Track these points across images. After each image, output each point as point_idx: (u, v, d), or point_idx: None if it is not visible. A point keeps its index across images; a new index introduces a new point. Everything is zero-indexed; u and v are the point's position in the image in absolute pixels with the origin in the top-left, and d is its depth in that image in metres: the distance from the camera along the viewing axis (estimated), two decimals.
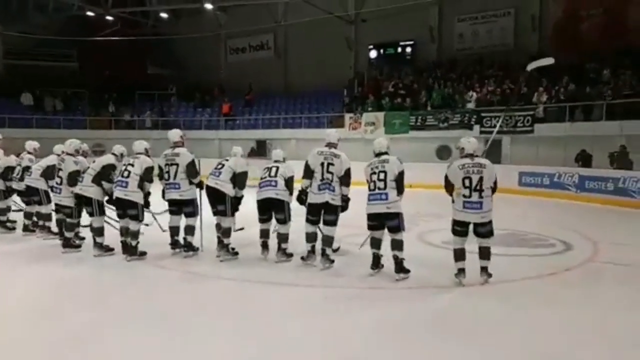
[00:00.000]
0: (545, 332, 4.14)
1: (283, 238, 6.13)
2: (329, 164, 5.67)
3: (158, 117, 22.52)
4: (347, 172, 5.68)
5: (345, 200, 5.71)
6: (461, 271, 5.25)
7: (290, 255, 6.16)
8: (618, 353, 3.77)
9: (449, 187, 5.33)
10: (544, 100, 15.16)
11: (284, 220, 6.05)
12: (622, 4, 16.11)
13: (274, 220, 6.17)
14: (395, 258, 5.35)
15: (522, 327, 4.25)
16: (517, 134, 15.13)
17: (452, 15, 19.74)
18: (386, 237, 5.50)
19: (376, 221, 5.39)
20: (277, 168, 6.04)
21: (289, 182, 6.02)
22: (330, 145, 5.82)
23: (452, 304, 4.88)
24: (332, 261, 5.79)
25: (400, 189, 5.35)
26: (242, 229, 6.92)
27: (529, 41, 17.87)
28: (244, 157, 6.56)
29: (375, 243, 5.50)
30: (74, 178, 6.53)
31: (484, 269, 5.22)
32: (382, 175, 5.33)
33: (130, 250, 6.23)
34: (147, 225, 6.87)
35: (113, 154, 6.59)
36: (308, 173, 5.75)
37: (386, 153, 5.51)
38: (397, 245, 5.35)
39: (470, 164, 5.18)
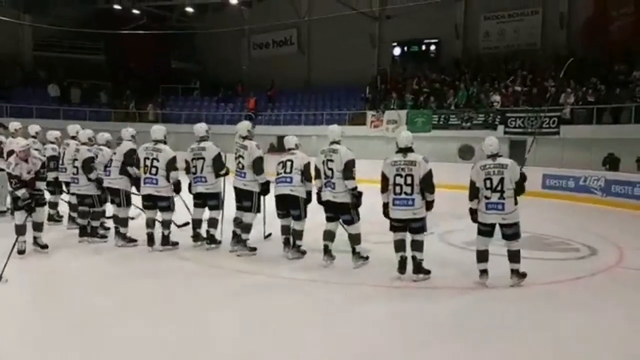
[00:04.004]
0: (568, 337, 4.09)
1: (298, 235, 6.09)
2: (328, 160, 5.61)
3: (160, 110, 22.67)
4: (347, 165, 5.50)
5: (356, 195, 5.54)
6: (484, 272, 5.21)
7: (304, 252, 6.14)
8: None
9: (473, 191, 5.19)
10: (571, 102, 14.86)
11: (299, 217, 6.03)
12: None
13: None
14: (414, 259, 5.28)
15: (543, 331, 4.20)
16: (542, 135, 14.88)
17: (478, 13, 19.48)
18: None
19: (401, 223, 5.29)
20: (292, 162, 5.96)
21: (306, 173, 5.95)
22: (333, 142, 5.72)
23: (473, 306, 4.85)
24: (366, 257, 5.81)
25: (429, 189, 5.17)
26: (270, 234, 6.96)
27: (556, 40, 17.54)
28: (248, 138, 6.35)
29: (400, 245, 5.34)
30: (88, 165, 6.60)
31: (514, 272, 5.16)
32: (409, 180, 5.14)
33: (163, 240, 6.34)
34: (132, 218, 6.89)
35: (127, 139, 6.65)
36: (317, 173, 5.78)
37: (411, 149, 5.30)
38: (417, 246, 5.28)
39: (492, 165, 5.11)
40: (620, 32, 16.11)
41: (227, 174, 6.46)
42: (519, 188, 5.11)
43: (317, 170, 5.79)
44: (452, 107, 17.19)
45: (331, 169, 5.58)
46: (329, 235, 5.78)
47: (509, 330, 4.25)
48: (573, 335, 4.14)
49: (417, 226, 5.26)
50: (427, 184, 5.15)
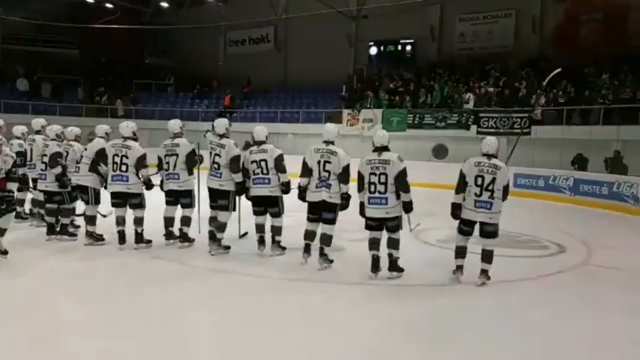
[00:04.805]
0: (538, 333, 4.17)
1: (277, 231, 6.11)
2: (325, 161, 5.50)
3: (134, 106, 22.27)
4: (346, 169, 5.49)
5: (346, 197, 5.56)
6: (459, 268, 5.31)
7: (284, 248, 6.15)
8: (610, 355, 3.80)
9: (462, 184, 5.20)
10: (542, 103, 15.20)
11: (278, 214, 6.04)
12: (623, 10, 16.15)
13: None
14: (390, 256, 5.31)
15: (514, 327, 4.30)
16: (513, 136, 15.16)
17: (454, 15, 19.71)
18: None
19: (376, 222, 5.32)
20: (266, 162, 5.91)
21: (279, 166, 5.89)
22: (327, 142, 5.62)
23: (446, 302, 4.91)
24: (331, 261, 5.68)
25: (404, 188, 5.17)
26: (246, 233, 6.91)
27: (528, 43, 17.89)
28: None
29: (374, 244, 5.37)
30: (55, 159, 6.41)
31: (483, 272, 5.23)
32: (382, 178, 5.16)
33: (137, 237, 6.23)
34: (104, 216, 6.77)
35: (100, 136, 6.50)
36: (306, 172, 5.60)
37: (387, 148, 5.32)
38: (393, 243, 5.31)
39: (486, 164, 5.15)
40: (589, 37, 16.55)
41: (200, 162, 6.37)
42: (505, 193, 5.17)
43: (305, 166, 5.62)
44: (431, 107, 17.39)
45: (328, 171, 5.50)
46: (312, 235, 5.74)
47: (481, 326, 4.32)
48: (543, 330, 4.23)
49: (392, 225, 5.29)
50: (401, 183, 5.17)
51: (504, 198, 5.18)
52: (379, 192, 5.19)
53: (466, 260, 5.31)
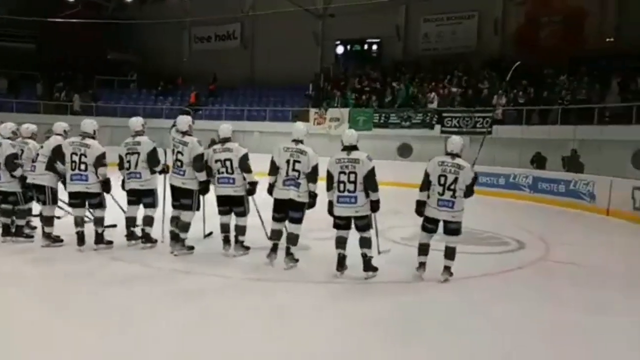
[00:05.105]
0: (499, 327, 4.29)
1: (241, 230, 6.04)
2: (294, 161, 5.46)
3: (89, 102, 21.66)
4: (315, 169, 5.47)
5: (313, 196, 5.54)
6: (422, 265, 5.39)
7: (248, 248, 6.10)
8: (568, 352, 3.92)
9: (426, 183, 5.27)
10: (503, 103, 15.60)
11: (243, 213, 5.98)
12: (580, 13, 16.75)
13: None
14: (364, 256, 5.30)
15: (477, 322, 4.39)
16: (476, 135, 15.50)
17: (419, 15, 20.00)
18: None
19: (344, 221, 5.32)
20: (231, 161, 5.83)
21: (244, 166, 5.81)
22: (297, 141, 5.58)
23: (410, 299, 4.97)
24: (297, 260, 5.65)
25: (372, 187, 5.19)
26: (211, 233, 6.82)
27: (490, 44, 18.34)
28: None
29: (341, 242, 5.37)
30: (12, 162, 6.17)
31: (446, 268, 5.33)
32: (352, 177, 5.16)
33: (97, 238, 6.05)
34: (58, 217, 6.57)
35: (58, 134, 6.30)
36: (273, 170, 5.56)
37: (356, 147, 5.32)
38: (365, 243, 5.30)
39: (450, 163, 5.22)
40: (549, 39, 17.11)
41: (165, 171, 6.23)
42: (469, 191, 5.26)
43: (273, 165, 5.57)
44: (395, 106, 17.59)
45: (297, 171, 5.46)
46: (278, 235, 5.71)
47: (444, 321, 4.39)
48: (504, 325, 4.34)
49: (362, 224, 5.30)
50: (370, 182, 5.19)
51: (468, 196, 5.27)
52: (349, 191, 5.19)
53: (429, 257, 5.40)
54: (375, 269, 5.35)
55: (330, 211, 5.37)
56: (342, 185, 5.21)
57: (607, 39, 16.23)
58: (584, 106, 13.98)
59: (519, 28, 17.90)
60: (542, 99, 15.22)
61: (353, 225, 5.35)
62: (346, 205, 5.22)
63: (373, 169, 5.21)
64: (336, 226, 5.39)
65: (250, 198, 6.13)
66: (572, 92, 14.72)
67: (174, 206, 6.13)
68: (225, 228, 6.10)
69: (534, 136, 14.53)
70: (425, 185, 5.31)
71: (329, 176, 5.31)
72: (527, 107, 15.17)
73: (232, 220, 6.11)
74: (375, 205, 5.30)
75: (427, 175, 5.31)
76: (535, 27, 17.49)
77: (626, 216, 10.14)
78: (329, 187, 5.32)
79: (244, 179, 5.88)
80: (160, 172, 6.22)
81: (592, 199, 11.41)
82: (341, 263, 5.37)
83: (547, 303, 4.99)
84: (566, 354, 3.86)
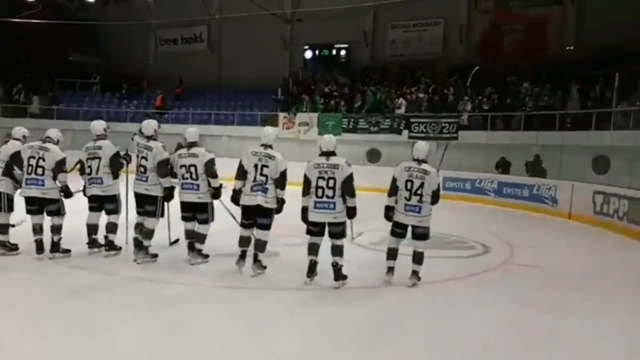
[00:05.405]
0: (467, 330, 4.33)
1: (200, 238, 5.85)
2: (263, 165, 5.37)
3: (49, 105, 21.08)
4: (283, 174, 5.40)
5: (281, 202, 5.46)
6: (390, 269, 5.40)
7: (206, 256, 5.93)
8: (531, 352, 3.98)
9: (393, 188, 5.31)
10: (468, 109, 15.92)
11: (206, 221, 5.83)
12: (541, 22, 17.30)
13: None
14: (335, 265, 5.24)
15: (445, 325, 4.43)
16: (443, 140, 15.75)
17: (386, 22, 20.25)
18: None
19: (319, 227, 5.26)
20: (196, 167, 5.70)
21: (209, 171, 5.68)
22: (265, 145, 5.50)
23: (378, 302, 5.00)
24: (265, 267, 5.56)
25: (350, 192, 5.16)
26: (177, 240, 6.64)
27: (456, 51, 18.74)
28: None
29: (314, 249, 5.31)
30: None
31: (414, 273, 5.35)
32: (331, 183, 5.11)
33: (53, 246, 5.79)
34: (13, 225, 6.28)
35: (16, 138, 6.05)
36: (241, 174, 5.44)
37: (334, 152, 5.27)
38: (338, 251, 5.24)
39: (416, 169, 5.26)
40: (511, 46, 17.59)
41: (129, 162, 6.08)
42: (435, 197, 5.30)
43: (241, 169, 5.46)
44: (364, 111, 17.71)
45: (265, 175, 5.36)
46: (247, 241, 5.58)
47: (413, 325, 4.41)
48: (472, 327, 4.40)
49: (337, 231, 5.25)
50: (347, 188, 5.16)
51: (435, 202, 5.32)
52: (327, 197, 5.14)
53: (398, 262, 5.41)
54: (345, 277, 5.29)
55: (304, 217, 5.30)
56: (320, 191, 5.16)
57: (568, 47, 16.86)
58: (546, 112, 14.41)
59: (483, 36, 18.37)
60: (506, 105, 15.63)
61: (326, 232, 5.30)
62: (324, 211, 5.16)
63: (351, 175, 5.19)
64: (309, 232, 5.32)
65: (220, 202, 6.01)
66: (535, 98, 15.17)
67: (138, 213, 5.95)
68: (189, 234, 5.97)
69: (499, 141, 14.88)
70: (393, 190, 5.34)
71: (306, 181, 5.24)
72: (491, 113, 15.55)
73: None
74: (352, 212, 5.28)
75: (394, 180, 5.35)
76: (498, 35, 17.98)
77: (587, 219, 10.47)
78: (305, 193, 5.25)
79: (209, 185, 5.76)
80: (126, 164, 6.06)
81: (555, 203, 11.75)
82: (312, 269, 5.32)
83: (512, 305, 5.06)
84: (530, 354, 3.93)
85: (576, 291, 5.66)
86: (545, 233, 9.76)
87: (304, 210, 5.28)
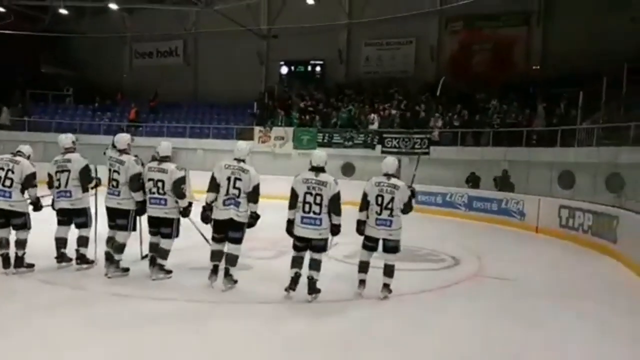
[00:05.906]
0: (438, 341, 4.44)
1: (163, 254, 5.77)
2: (236, 179, 5.37)
3: (19, 117, 20.70)
4: (256, 189, 5.41)
5: (254, 217, 5.48)
6: (362, 282, 5.50)
7: (169, 272, 5.86)
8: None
9: (364, 203, 5.42)
10: (439, 125, 16.29)
11: (170, 235, 5.75)
12: (509, 41, 17.91)
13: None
14: (311, 278, 5.27)
15: (416, 337, 4.54)
16: (415, 155, 16.03)
17: (360, 40, 20.64)
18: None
19: (305, 242, 5.30)
20: (164, 183, 5.65)
21: (177, 191, 5.64)
22: (238, 160, 5.51)
23: (350, 317, 5.04)
24: (236, 281, 5.56)
25: (336, 210, 5.22)
26: (148, 255, 6.53)
27: (427, 69, 19.19)
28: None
29: (298, 262, 5.34)
30: None
31: (385, 286, 5.46)
32: (318, 199, 5.16)
33: (17, 261, 5.69)
34: None
35: None
36: (213, 187, 5.43)
37: (323, 169, 5.33)
38: (316, 265, 5.28)
39: (386, 184, 5.39)
40: (480, 65, 18.12)
41: (97, 185, 6.03)
42: (407, 208, 5.43)
43: (213, 181, 5.43)
44: (338, 127, 17.93)
45: (238, 189, 5.36)
46: (219, 256, 5.55)
47: (385, 338, 4.49)
48: (443, 338, 4.51)
49: (320, 245, 5.30)
50: (334, 205, 5.22)
51: (406, 212, 5.43)
52: (314, 213, 5.18)
53: (370, 275, 5.51)
54: (318, 291, 5.34)
55: (290, 230, 5.33)
56: (307, 206, 5.19)
57: (534, 67, 17.49)
58: (513, 129, 14.84)
59: (453, 55, 18.88)
60: (475, 122, 16.05)
61: None
62: (310, 226, 5.20)
63: (339, 193, 5.24)
64: (295, 247, 5.36)
65: (189, 219, 5.99)
66: (503, 115, 15.63)
67: (110, 227, 5.91)
68: (154, 247, 5.88)
69: (468, 157, 15.23)
70: (364, 205, 5.46)
71: (294, 195, 5.27)
72: (461, 129, 15.93)
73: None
74: (336, 229, 5.31)
75: (365, 195, 5.46)
76: (468, 55, 18.51)
77: (553, 233, 10.78)
78: (292, 206, 5.28)
79: (177, 202, 5.73)
80: (92, 187, 6.02)
81: (522, 217, 12.07)
82: (295, 282, 5.32)
83: (483, 316, 5.21)
84: None
85: (544, 302, 5.85)
86: (513, 246, 10.02)
87: (290, 223, 5.31)
